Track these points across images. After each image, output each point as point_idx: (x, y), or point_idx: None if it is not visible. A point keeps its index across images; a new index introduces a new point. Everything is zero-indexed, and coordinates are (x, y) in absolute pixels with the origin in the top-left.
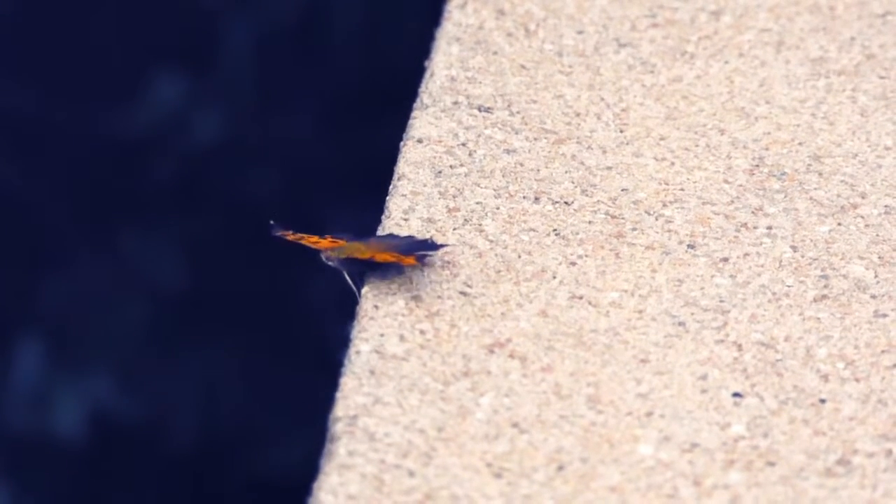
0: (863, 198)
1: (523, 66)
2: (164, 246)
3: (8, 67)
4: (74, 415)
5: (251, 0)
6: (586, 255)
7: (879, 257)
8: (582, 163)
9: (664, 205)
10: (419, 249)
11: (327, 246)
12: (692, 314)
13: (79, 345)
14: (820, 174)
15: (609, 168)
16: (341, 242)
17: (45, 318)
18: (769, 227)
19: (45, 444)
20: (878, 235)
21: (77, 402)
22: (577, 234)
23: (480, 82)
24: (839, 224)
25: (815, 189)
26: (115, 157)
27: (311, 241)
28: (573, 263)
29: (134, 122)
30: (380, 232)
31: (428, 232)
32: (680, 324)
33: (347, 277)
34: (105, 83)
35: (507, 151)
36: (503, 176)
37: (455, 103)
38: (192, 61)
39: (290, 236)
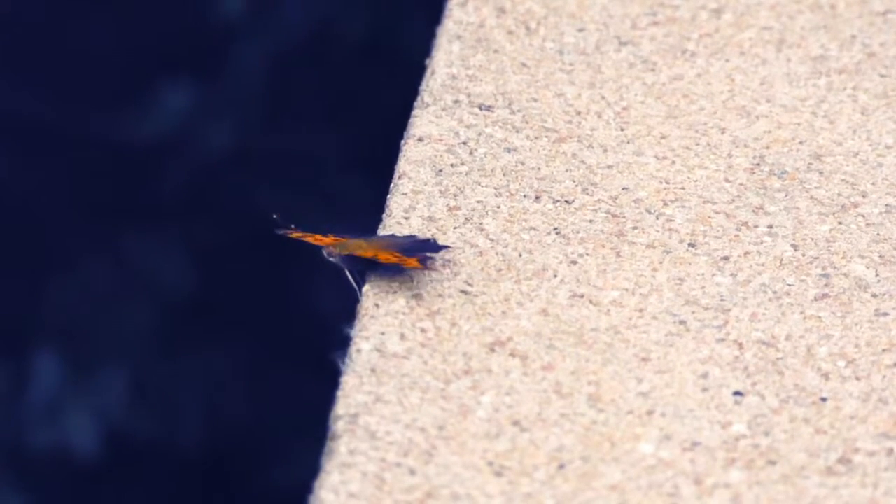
0: (864, 196)
1: (524, 65)
2: (171, 253)
3: (17, 74)
4: (86, 424)
5: (260, 10)
6: (587, 254)
7: (880, 256)
8: (583, 161)
9: (665, 203)
10: (421, 250)
11: (330, 243)
12: (693, 313)
13: (88, 353)
14: (821, 173)
15: (610, 166)
16: (343, 240)
17: (54, 325)
18: (770, 226)
19: (56, 452)
20: (878, 234)
21: (86, 408)
22: (578, 232)
23: (481, 80)
24: (840, 223)
25: (816, 188)
26: (125, 165)
27: (314, 238)
28: (574, 262)
29: (143, 130)
30: (381, 231)
31: (429, 230)
32: (681, 322)
33: (349, 275)
34: (115, 92)
35: (508, 150)
36: (504, 174)
37: (456, 101)
38: (201, 70)
39: (294, 234)
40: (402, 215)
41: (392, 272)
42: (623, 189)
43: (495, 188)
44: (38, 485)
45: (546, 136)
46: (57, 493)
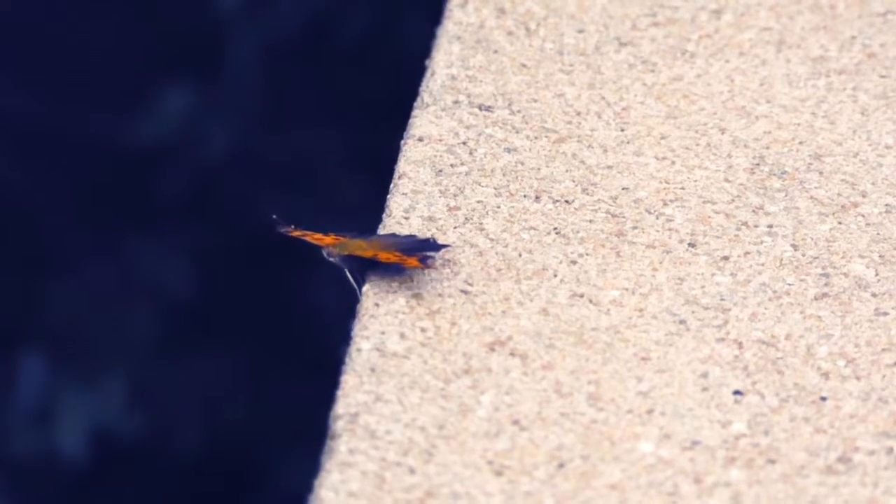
0: (863, 196)
1: (524, 65)
2: (171, 255)
3: (17, 76)
4: (80, 424)
5: (258, 10)
6: (587, 254)
7: (880, 256)
8: (583, 161)
9: (665, 203)
10: (421, 249)
11: (330, 242)
12: (693, 312)
13: (84, 354)
14: (820, 173)
15: (610, 167)
16: (343, 239)
17: (52, 326)
18: (770, 226)
19: (50, 455)
20: (878, 234)
21: (82, 411)
22: (578, 232)
23: (481, 81)
24: (840, 223)
25: (816, 188)
26: (124, 167)
27: (314, 237)
28: (574, 262)
29: (142, 131)
30: (381, 231)
31: (429, 230)
32: (681, 322)
33: (349, 275)
34: (114, 93)
35: (508, 150)
36: (504, 175)
37: (456, 102)
38: (200, 72)
39: (294, 232)
40: (402, 215)
41: (392, 272)
42: (623, 189)
43: (495, 188)
44: (33, 489)
45: (546, 137)
46: (53, 497)
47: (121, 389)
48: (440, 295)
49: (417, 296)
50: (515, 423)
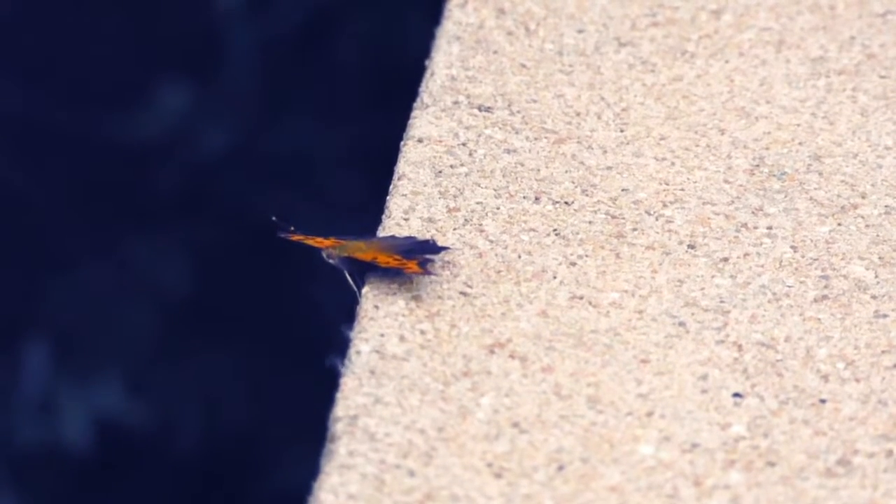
0: (863, 198)
1: (524, 66)
2: (169, 252)
3: (15, 73)
4: (80, 421)
5: (257, 8)
6: (586, 256)
7: (880, 258)
8: (582, 163)
9: (664, 205)
10: (420, 251)
11: (330, 245)
12: (692, 314)
13: (84, 351)
14: (820, 174)
15: (609, 168)
16: (343, 242)
17: (51, 324)
18: (769, 228)
19: (51, 451)
20: (878, 236)
21: (82, 408)
22: (578, 234)
23: (481, 81)
24: (839, 224)
25: (816, 189)
26: (121, 165)
27: (314, 241)
28: (573, 263)
29: (140, 129)
30: (380, 232)
31: (428, 232)
32: (680, 324)
33: (348, 277)
34: (111, 90)
35: (508, 151)
36: (503, 176)
37: (455, 103)
38: (197, 69)
39: (294, 236)
40: (402, 216)
41: (391, 275)
42: (622, 190)
43: (495, 189)
44: (32, 486)
45: (545, 138)
46: (53, 494)
47: (120, 387)
48: (439, 297)
49: (417, 298)
50: (515, 425)
